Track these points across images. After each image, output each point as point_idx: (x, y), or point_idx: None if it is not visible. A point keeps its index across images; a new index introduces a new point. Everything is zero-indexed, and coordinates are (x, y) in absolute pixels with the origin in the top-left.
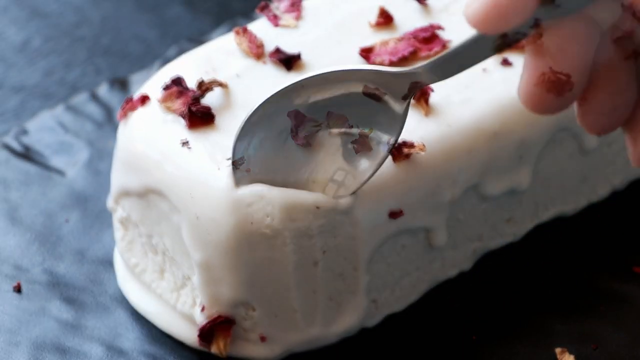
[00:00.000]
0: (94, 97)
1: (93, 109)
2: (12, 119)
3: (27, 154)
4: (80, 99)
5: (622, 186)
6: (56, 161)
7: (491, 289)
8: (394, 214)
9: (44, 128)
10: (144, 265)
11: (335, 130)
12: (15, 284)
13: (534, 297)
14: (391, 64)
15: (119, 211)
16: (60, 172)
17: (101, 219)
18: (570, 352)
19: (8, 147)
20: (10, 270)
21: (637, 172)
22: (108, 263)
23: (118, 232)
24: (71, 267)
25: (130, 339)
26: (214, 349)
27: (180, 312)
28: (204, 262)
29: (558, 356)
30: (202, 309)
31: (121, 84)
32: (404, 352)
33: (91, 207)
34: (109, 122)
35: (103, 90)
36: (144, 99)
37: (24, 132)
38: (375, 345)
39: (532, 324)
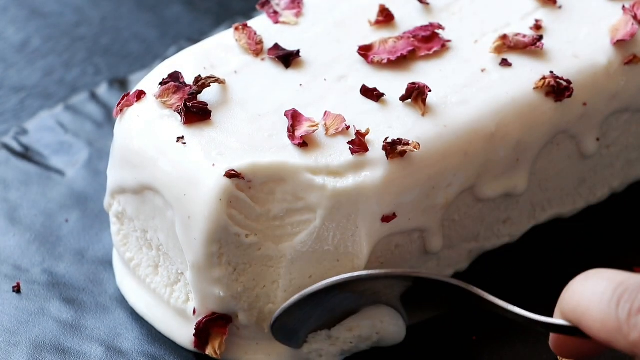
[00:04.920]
0: (94, 97)
1: (92, 109)
2: (11, 119)
3: (26, 154)
4: (80, 99)
5: (621, 188)
6: (56, 161)
7: (491, 288)
8: (387, 218)
9: (43, 128)
10: (139, 260)
11: None
12: (14, 284)
13: (533, 297)
14: (390, 62)
15: (114, 206)
16: (59, 172)
17: (101, 219)
18: None
19: (8, 147)
20: (10, 271)
21: (637, 175)
22: (107, 263)
23: (114, 226)
24: (71, 267)
25: (130, 339)
26: (208, 350)
27: (174, 308)
28: (195, 262)
29: (558, 356)
30: (194, 312)
31: (121, 84)
32: (403, 352)
33: (91, 207)
34: (109, 122)
35: (102, 90)
36: (140, 95)
37: (24, 132)
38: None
39: None
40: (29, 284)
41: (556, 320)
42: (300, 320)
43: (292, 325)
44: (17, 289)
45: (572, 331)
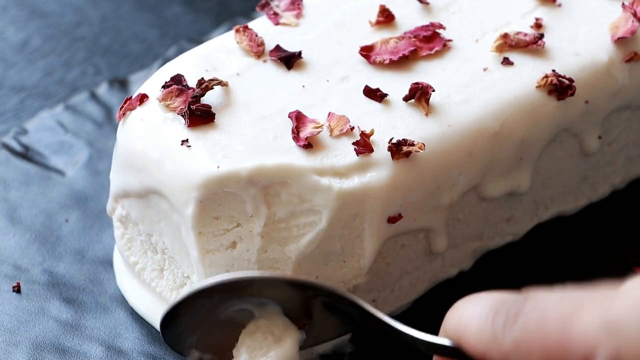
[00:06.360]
0: (94, 97)
1: (93, 109)
2: (11, 119)
3: (26, 154)
4: (80, 98)
5: (622, 185)
6: (56, 161)
7: (491, 288)
8: (393, 218)
9: (43, 128)
10: (144, 264)
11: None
12: (14, 284)
13: None
14: (392, 63)
15: (118, 209)
16: (60, 172)
17: (101, 219)
18: None
19: (8, 147)
20: (10, 270)
21: (638, 172)
22: (108, 263)
23: (118, 230)
24: (71, 267)
25: (130, 339)
26: None
27: None
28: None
29: None
30: None
31: (121, 84)
32: (404, 352)
33: (91, 207)
34: (109, 122)
35: (103, 90)
36: (143, 98)
37: (24, 132)
38: (375, 345)
39: None
40: (29, 284)
41: (438, 338)
42: (188, 323)
43: (180, 328)
44: (17, 289)
45: (453, 353)
